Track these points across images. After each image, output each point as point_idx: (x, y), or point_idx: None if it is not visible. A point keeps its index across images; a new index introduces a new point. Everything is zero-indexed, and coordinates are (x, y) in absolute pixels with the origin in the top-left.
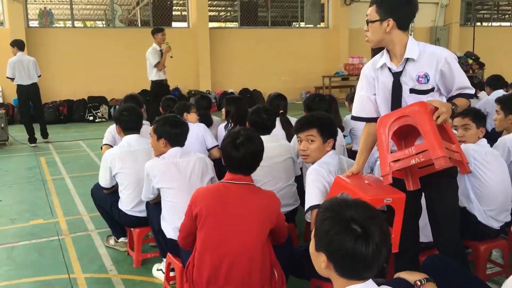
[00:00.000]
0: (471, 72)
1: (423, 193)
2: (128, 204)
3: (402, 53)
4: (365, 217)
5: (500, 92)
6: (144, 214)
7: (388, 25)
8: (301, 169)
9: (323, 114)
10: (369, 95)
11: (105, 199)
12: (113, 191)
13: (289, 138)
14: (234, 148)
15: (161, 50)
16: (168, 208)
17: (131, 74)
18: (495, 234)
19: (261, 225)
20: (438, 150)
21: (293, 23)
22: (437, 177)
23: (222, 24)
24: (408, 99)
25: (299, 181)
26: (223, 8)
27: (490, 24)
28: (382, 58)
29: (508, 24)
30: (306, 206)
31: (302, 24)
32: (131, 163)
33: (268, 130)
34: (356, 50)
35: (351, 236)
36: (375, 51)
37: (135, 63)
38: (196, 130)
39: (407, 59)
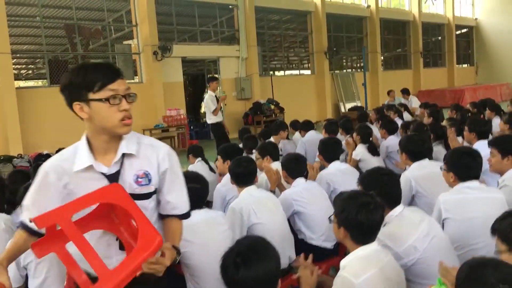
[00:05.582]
0: (273, 116)
1: None
2: None
3: (116, 146)
4: None
5: (312, 133)
6: None
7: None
8: None
9: None
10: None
11: None
12: None
13: None
14: None
15: (215, 96)
16: (36, 286)
17: None
18: (332, 253)
19: None
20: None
21: None
22: None
23: (27, 83)
24: None
25: None
26: (24, 66)
27: (283, 73)
28: (81, 156)
29: (297, 72)
30: None
31: None
32: None
33: None
34: (171, 103)
35: None
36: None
37: None
38: None
39: (124, 155)
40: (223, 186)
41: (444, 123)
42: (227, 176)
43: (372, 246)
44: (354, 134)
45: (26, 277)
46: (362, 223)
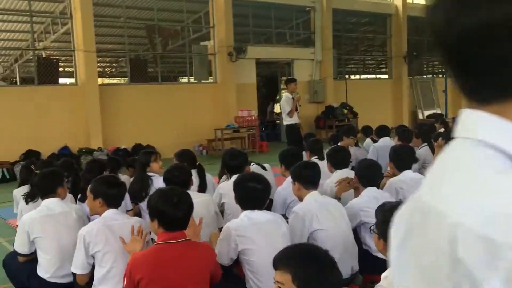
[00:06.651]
0: (346, 121)
1: None
2: (49, 269)
3: None
4: None
5: (387, 140)
6: (66, 280)
7: None
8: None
9: None
10: None
11: (21, 269)
12: (30, 260)
13: (202, 186)
14: (172, 207)
15: (293, 98)
16: (102, 275)
17: (16, 136)
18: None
19: (203, 278)
20: None
21: (180, 78)
22: None
23: (110, 80)
24: None
25: None
26: (108, 64)
27: (358, 77)
28: None
29: (373, 76)
30: None
31: (192, 79)
32: (51, 227)
33: (183, 185)
34: (243, 104)
35: None
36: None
37: (19, 124)
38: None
39: None
40: (284, 190)
41: None
42: (288, 179)
43: None
44: (440, 139)
45: (93, 265)
46: None
